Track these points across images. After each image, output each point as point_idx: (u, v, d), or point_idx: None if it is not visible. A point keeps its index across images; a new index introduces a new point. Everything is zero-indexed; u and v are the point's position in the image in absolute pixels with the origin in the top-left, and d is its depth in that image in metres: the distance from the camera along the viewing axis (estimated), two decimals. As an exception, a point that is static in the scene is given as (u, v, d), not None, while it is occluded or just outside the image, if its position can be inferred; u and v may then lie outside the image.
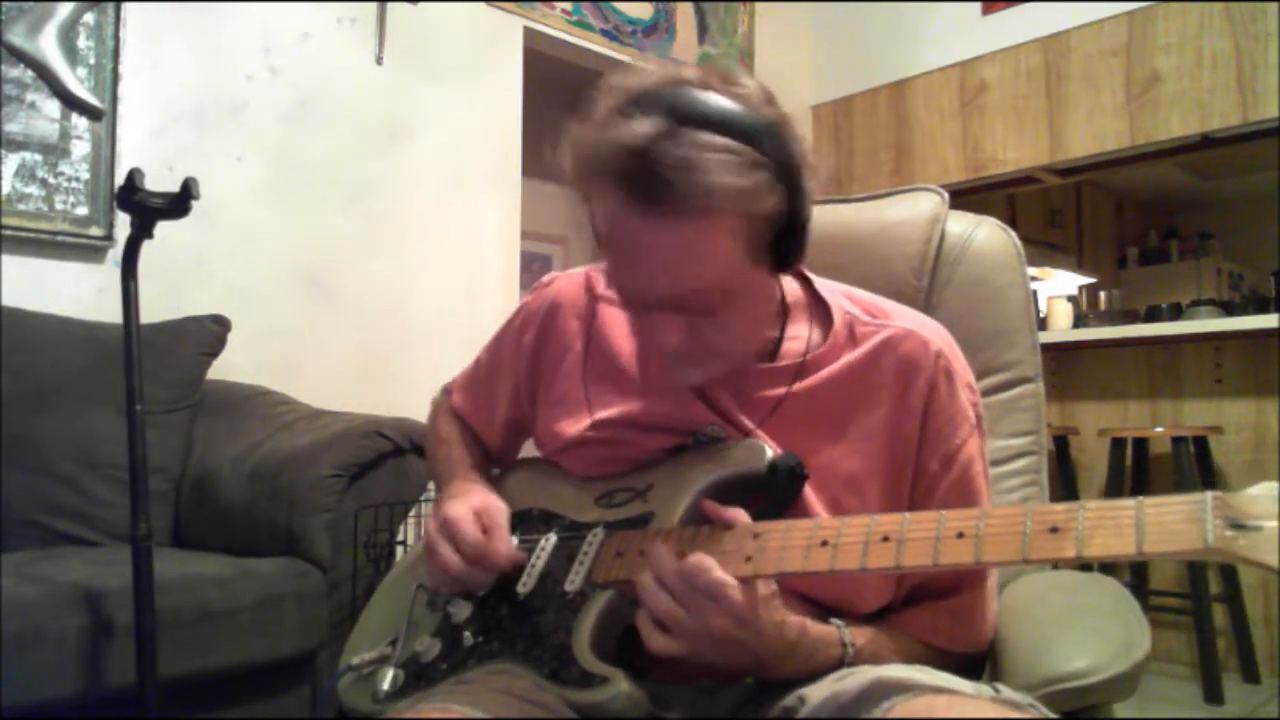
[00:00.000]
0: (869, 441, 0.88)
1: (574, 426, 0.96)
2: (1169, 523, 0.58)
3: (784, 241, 0.82)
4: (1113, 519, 0.60)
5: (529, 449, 1.11)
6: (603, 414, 0.94)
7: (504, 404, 1.08)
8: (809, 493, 0.85)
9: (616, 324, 0.98)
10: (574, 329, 1.01)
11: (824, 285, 0.97)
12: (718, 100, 0.77)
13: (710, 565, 0.72)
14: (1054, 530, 0.62)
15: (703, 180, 0.73)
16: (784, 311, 0.94)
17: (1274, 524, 0.54)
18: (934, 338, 0.91)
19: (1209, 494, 0.57)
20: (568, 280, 1.05)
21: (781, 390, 0.90)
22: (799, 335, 0.93)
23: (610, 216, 0.79)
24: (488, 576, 0.89)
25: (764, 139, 0.77)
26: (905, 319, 0.93)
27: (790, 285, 0.96)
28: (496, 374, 1.10)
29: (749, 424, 0.89)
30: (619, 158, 0.75)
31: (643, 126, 0.74)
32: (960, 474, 0.88)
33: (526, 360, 1.04)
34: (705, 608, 0.72)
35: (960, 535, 0.65)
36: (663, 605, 0.74)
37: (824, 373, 0.90)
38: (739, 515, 0.79)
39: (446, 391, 1.19)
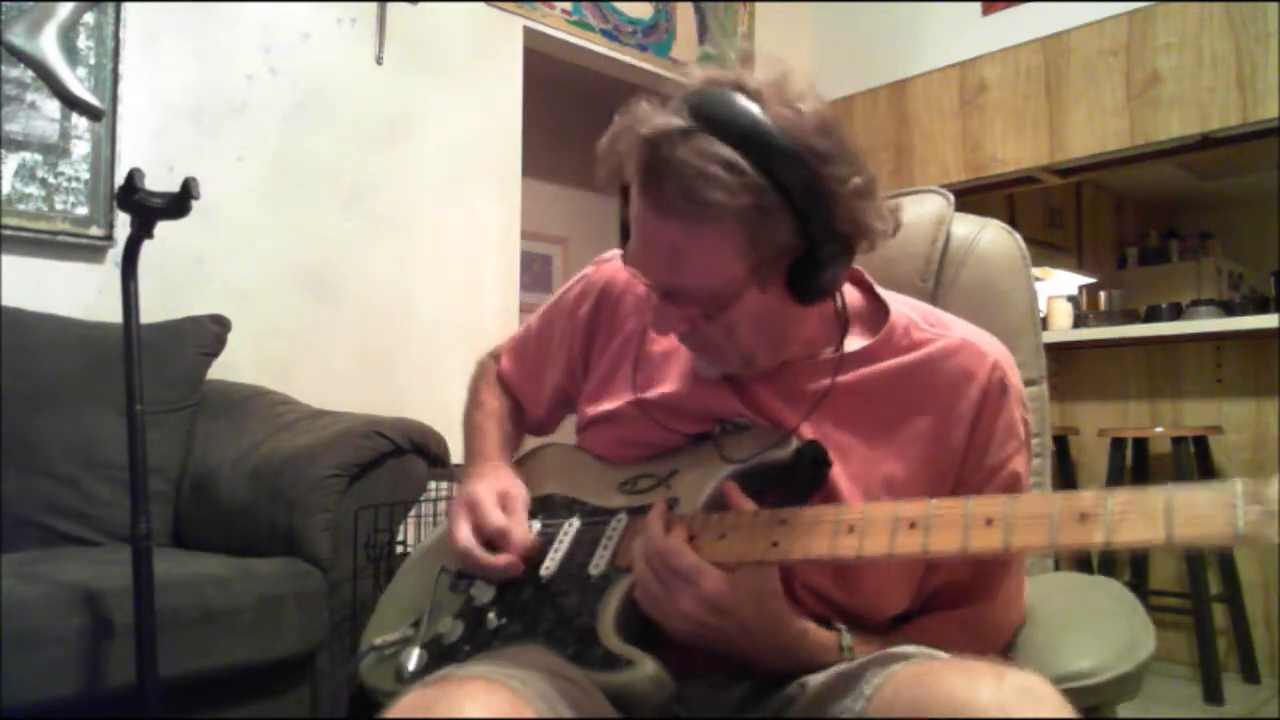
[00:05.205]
0: (913, 446, 0.87)
1: (612, 403, 0.97)
2: (1199, 510, 0.57)
3: (802, 273, 0.81)
4: (1142, 506, 0.59)
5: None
6: (643, 394, 0.95)
7: (555, 372, 1.08)
8: (843, 486, 0.85)
9: None
10: (629, 306, 1.02)
11: (887, 294, 0.96)
12: (750, 113, 0.76)
13: (683, 550, 0.75)
14: (1083, 518, 0.61)
15: (690, 189, 0.75)
16: (844, 321, 0.92)
17: None
18: (991, 350, 0.90)
19: (1239, 481, 0.56)
20: None
21: (826, 382, 0.89)
22: (855, 343, 0.92)
23: (633, 194, 0.81)
24: (501, 561, 0.89)
25: (782, 164, 0.75)
26: (963, 329, 0.92)
27: (852, 294, 0.95)
28: (548, 342, 1.09)
29: (786, 415, 0.89)
30: (636, 144, 0.77)
31: (664, 121, 0.76)
32: (1001, 489, 0.86)
33: (582, 332, 1.05)
34: (679, 589, 0.74)
35: (989, 522, 0.64)
36: (644, 581, 0.77)
37: (873, 369, 0.89)
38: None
39: (494, 356, 1.18)
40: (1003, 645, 0.91)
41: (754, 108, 0.77)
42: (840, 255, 0.81)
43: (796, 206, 0.77)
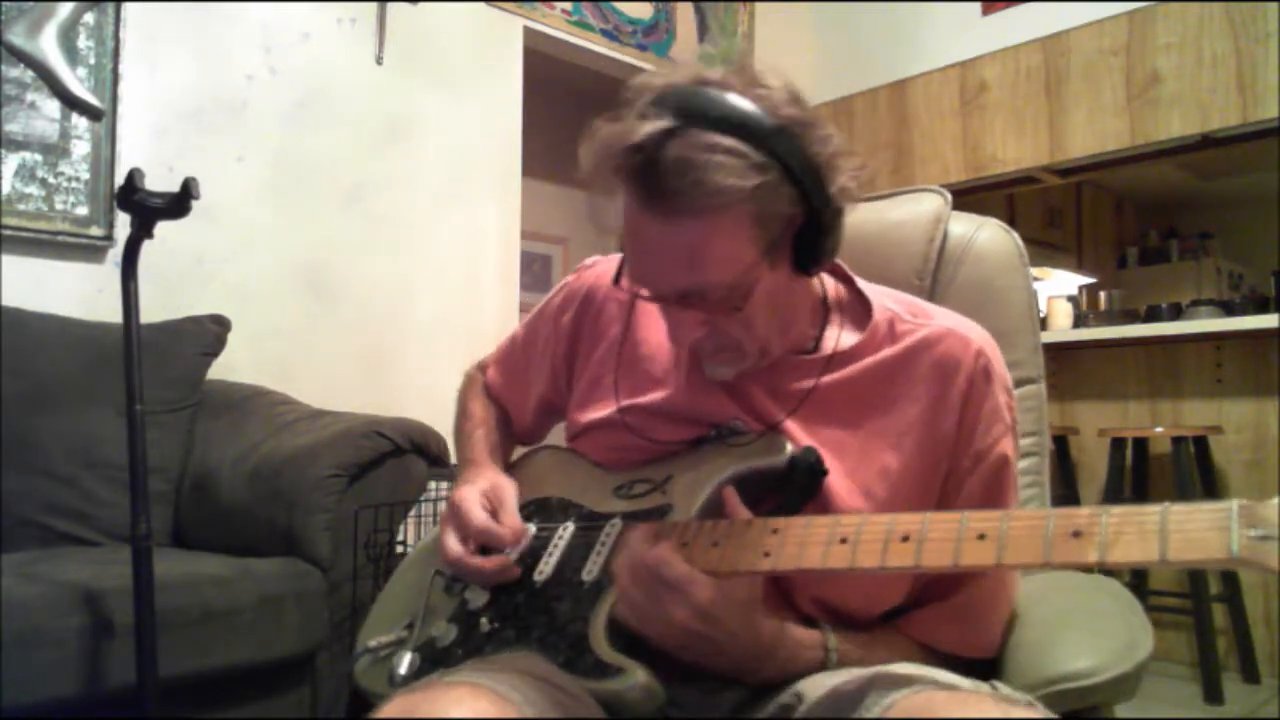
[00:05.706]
0: (905, 436, 0.87)
1: (601, 410, 0.97)
2: (1194, 531, 0.56)
3: (805, 243, 0.82)
4: (1137, 525, 0.58)
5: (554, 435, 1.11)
6: (629, 400, 0.95)
7: (540, 382, 1.09)
8: (838, 482, 0.85)
9: (655, 311, 0.97)
10: (612, 313, 1.02)
11: (867, 286, 0.97)
12: (729, 100, 0.77)
13: (673, 560, 0.74)
14: (1076, 534, 0.60)
15: (700, 180, 0.74)
16: (825, 310, 0.94)
17: None
18: (975, 337, 0.91)
19: (1235, 502, 0.56)
20: (610, 264, 1.05)
21: (812, 381, 0.89)
22: (838, 333, 0.93)
23: (625, 212, 0.80)
24: (492, 565, 0.89)
25: (775, 140, 0.77)
26: (947, 318, 0.93)
27: (833, 285, 0.96)
28: (533, 352, 1.10)
29: (777, 415, 0.89)
30: (626, 155, 0.77)
31: (650, 125, 0.76)
32: (990, 473, 0.88)
33: (565, 340, 1.05)
34: (671, 599, 0.73)
35: (981, 537, 0.64)
36: (630, 593, 0.76)
37: (860, 365, 0.90)
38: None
39: (481, 368, 1.19)
40: (996, 634, 0.90)
41: (730, 94, 0.78)
42: (838, 216, 0.83)
43: (795, 178, 0.78)
